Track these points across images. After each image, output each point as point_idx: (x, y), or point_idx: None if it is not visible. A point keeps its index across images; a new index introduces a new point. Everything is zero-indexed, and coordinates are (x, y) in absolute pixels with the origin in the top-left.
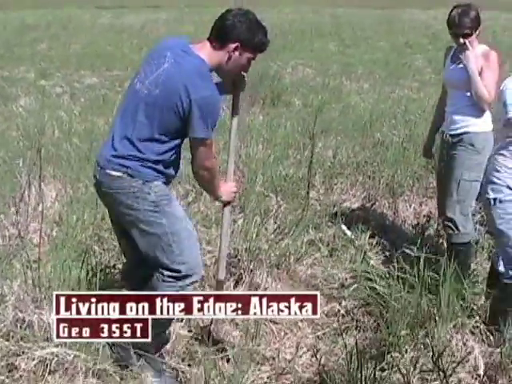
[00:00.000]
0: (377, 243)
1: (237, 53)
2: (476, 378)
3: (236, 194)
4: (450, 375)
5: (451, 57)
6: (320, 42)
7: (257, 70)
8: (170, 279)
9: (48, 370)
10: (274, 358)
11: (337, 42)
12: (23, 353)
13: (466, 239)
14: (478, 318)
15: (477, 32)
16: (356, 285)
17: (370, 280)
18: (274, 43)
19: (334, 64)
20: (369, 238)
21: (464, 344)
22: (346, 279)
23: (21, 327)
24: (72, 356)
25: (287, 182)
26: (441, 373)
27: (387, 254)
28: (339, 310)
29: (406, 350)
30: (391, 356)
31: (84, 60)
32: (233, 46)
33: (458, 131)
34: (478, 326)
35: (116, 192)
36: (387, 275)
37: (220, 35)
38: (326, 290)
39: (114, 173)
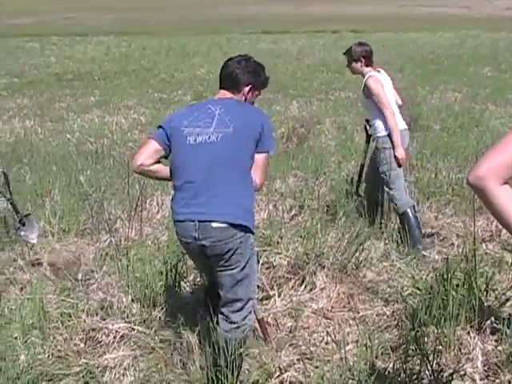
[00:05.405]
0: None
1: (250, 93)
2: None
3: None
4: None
5: None
6: (475, 66)
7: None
8: (249, 306)
9: (117, 340)
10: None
11: (493, 67)
12: (105, 328)
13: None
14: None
15: None
16: (409, 290)
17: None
18: (426, 67)
19: (485, 89)
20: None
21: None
22: (403, 287)
23: (103, 307)
24: (136, 331)
25: None
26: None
27: None
28: (385, 313)
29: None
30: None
31: None
32: (247, 88)
33: None
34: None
35: (225, 242)
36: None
37: (234, 83)
38: (384, 295)
39: (220, 225)
